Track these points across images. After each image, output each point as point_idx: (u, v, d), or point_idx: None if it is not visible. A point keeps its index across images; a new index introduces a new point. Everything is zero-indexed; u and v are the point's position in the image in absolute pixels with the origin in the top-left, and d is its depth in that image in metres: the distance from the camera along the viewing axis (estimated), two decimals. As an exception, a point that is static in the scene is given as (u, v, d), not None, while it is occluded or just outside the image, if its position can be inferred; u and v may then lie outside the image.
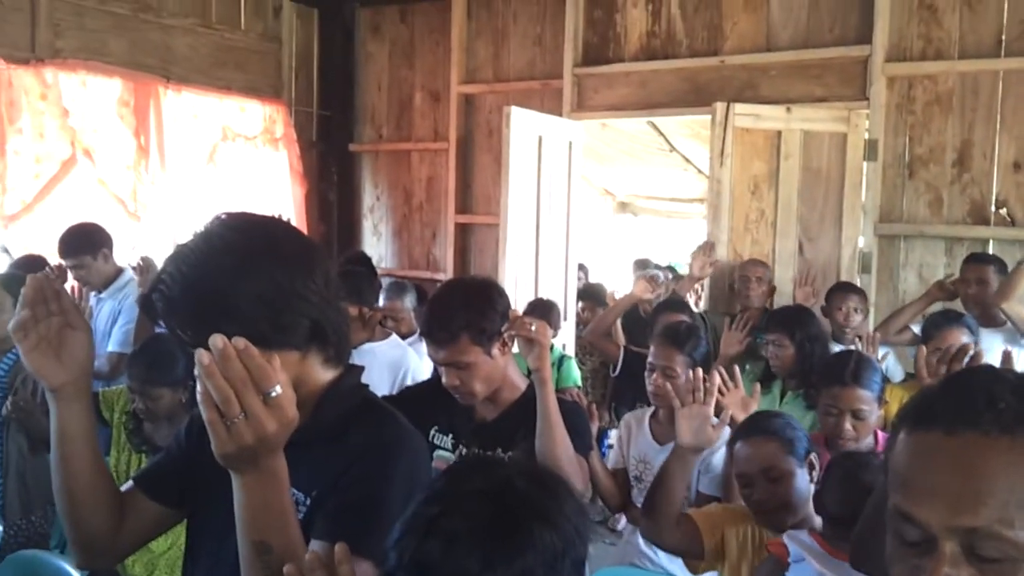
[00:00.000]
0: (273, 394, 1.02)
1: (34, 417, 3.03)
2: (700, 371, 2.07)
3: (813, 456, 2.19)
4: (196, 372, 1.25)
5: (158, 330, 3.54)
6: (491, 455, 2.10)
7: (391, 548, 1.07)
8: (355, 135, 6.41)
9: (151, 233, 5.17)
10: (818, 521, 2.14)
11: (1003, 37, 4.32)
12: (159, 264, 3.71)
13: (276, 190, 5.80)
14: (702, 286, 4.96)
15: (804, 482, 2.13)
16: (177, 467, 1.44)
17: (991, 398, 0.84)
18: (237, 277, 1.19)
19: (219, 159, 5.44)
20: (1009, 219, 4.35)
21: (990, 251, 4.28)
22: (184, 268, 1.20)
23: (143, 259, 3.73)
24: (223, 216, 1.28)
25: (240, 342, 1.01)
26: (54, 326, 1.30)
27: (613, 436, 5.33)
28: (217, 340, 1.00)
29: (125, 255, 4.24)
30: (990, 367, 0.94)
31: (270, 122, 5.71)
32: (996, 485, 0.81)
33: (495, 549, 1.02)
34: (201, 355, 1.00)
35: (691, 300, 4.82)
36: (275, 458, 1.07)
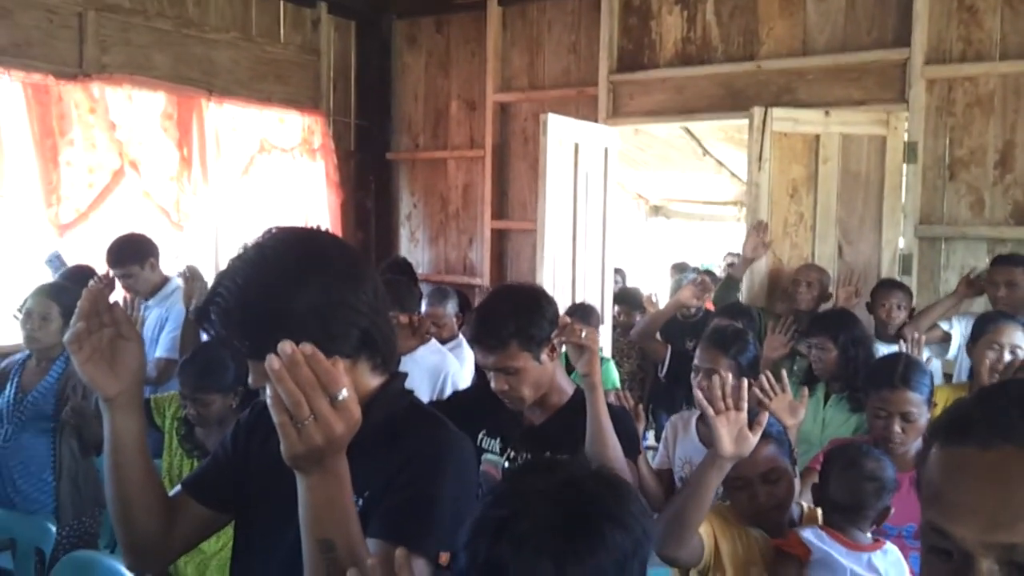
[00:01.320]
0: (340, 397, 1.06)
1: (88, 421, 3.11)
2: (729, 376, 2.01)
3: (796, 452, 2.24)
4: (250, 381, 1.29)
5: (205, 337, 3.64)
6: (556, 457, 2.12)
7: (462, 550, 1.10)
8: (392, 144, 6.47)
9: (194, 242, 5.27)
10: (796, 513, 2.18)
11: (1045, 37, 4.28)
12: (204, 273, 3.81)
13: (313, 199, 5.87)
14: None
15: (793, 479, 2.17)
16: (225, 471, 1.48)
17: None
18: (290, 289, 1.23)
19: (257, 170, 5.52)
20: (1052, 219, 4.30)
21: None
22: (239, 281, 1.24)
23: (189, 268, 3.81)
24: (274, 230, 1.33)
25: (308, 347, 1.04)
26: (107, 337, 1.35)
27: (651, 438, 5.36)
28: (286, 346, 1.03)
29: (170, 264, 4.33)
30: (1021, 381, 0.93)
31: (308, 133, 5.79)
32: None
33: (567, 550, 1.04)
34: (272, 360, 1.03)
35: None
36: (340, 459, 1.11)
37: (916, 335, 3.44)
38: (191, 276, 3.78)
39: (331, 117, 6.06)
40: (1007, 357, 3.06)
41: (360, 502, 1.29)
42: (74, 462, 3.25)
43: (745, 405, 1.94)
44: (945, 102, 4.54)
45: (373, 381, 1.37)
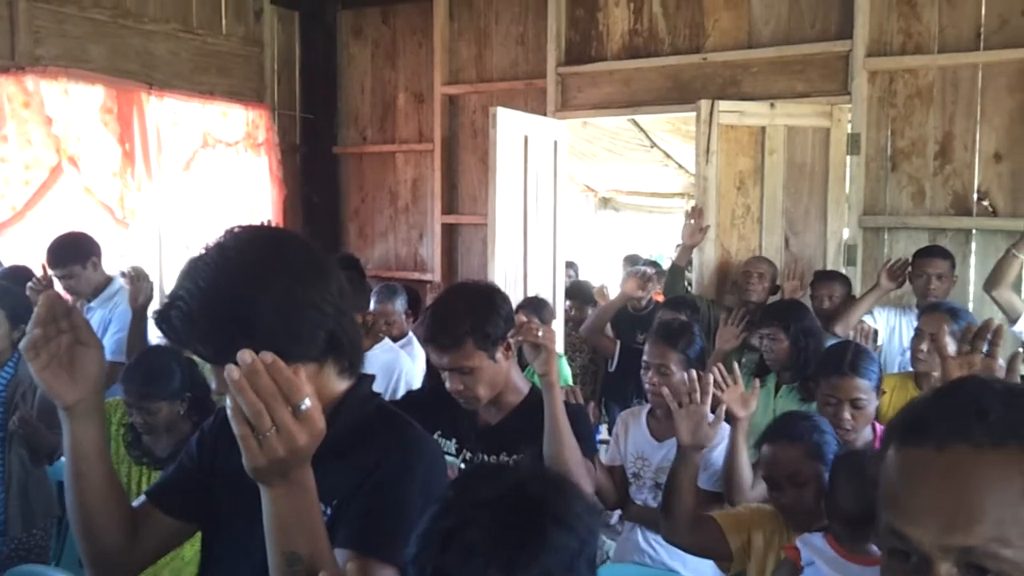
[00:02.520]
0: (303, 407, 1.02)
1: (36, 430, 3.01)
2: (694, 372, 2.11)
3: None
4: (214, 387, 1.25)
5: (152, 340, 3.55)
6: (497, 461, 2.11)
7: (410, 563, 1.08)
8: (339, 138, 6.39)
9: (137, 239, 5.14)
10: None
11: (982, 30, 4.38)
12: (147, 271, 3.71)
13: (258, 195, 5.77)
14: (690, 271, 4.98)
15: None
16: (190, 480, 1.44)
17: (981, 409, 0.82)
18: (255, 290, 1.19)
19: (200, 165, 5.40)
20: (991, 209, 4.41)
21: (973, 241, 4.37)
22: (201, 283, 1.20)
23: (134, 268, 3.71)
24: (236, 229, 1.29)
25: (268, 356, 1.01)
26: (64, 343, 1.30)
27: (604, 431, 5.39)
28: (245, 355, 1.00)
29: (113, 263, 4.21)
30: (978, 377, 0.93)
31: (252, 127, 5.68)
32: (990, 501, 0.78)
33: (514, 556, 1.03)
34: (231, 370, 0.99)
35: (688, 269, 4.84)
36: (304, 469, 1.08)
37: (865, 326, 3.50)
38: (137, 276, 3.69)
39: (276, 111, 5.96)
40: (924, 346, 3.14)
41: (329, 511, 1.27)
42: (24, 472, 3.14)
43: (702, 398, 1.98)
44: (887, 94, 4.62)
45: (340, 385, 1.34)
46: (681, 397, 2.08)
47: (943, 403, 0.86)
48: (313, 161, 6.31)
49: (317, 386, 1.26)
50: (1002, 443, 0.80)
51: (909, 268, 3.98)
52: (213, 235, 1.29)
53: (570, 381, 4.39)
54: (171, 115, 5.19)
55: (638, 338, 4.54)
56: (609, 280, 8.09)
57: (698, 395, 2.07)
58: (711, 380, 2.12)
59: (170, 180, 5.20)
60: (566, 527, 1.07)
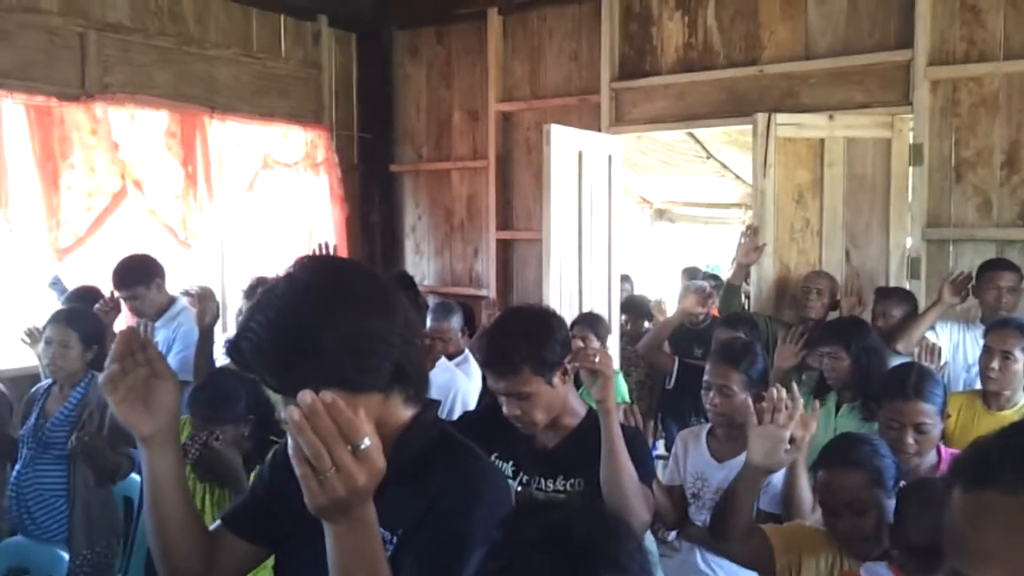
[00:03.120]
0: (362, 446, 1.03)
1: (98, 452, 3.09)
2: (778, 391, 2.03)
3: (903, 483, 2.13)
4: (283, 418, 1.27)
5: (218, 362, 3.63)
6: (549, 493, 2.11)
7: None
8: (395, 156, 6.47)
9: (200, 260, 5.27)
10: None
11: (1049, 36, 4.26)
12: (216, 293, 3.80)
13: (318, 214, 5.87)
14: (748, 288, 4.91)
15: (892, 512, 2.07)
16: (263, 506, 1.47)
17: None
18: (323, 322, 1.21)
19: (261, 186, 5.52)
20: (1061, 219, 4.28)
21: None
22: (271, 314, 1.23)
23: (201, 288, 3.80)
24: (305, 261, 1.31)
25: (328, 396, 1.02)
26: (141, 376, 1.34)
27: (660, 447, 5.34)
28: (306, 396, 1.01)
29: (176, 283, 4.32)
30: None
31: (311, 147, 5.79)
32: None
33: None
34: (291, 412, 1.01)
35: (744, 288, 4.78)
36: (366, 507, 1.09)
37: (930, 343, 3.42)
38: (203, 296, 3.78)
39: (334, 131, 6.06)
40: (995, 363, 3.06)
41: (394, 539, 1.28)
42: (87, 491, 3.24)
43: (790, 423, 1.94)
44: (950, 103, 4.51)
45: (406, 413, 1.35)
46: (762, 416, 2.01)
47: (1011, 445, 0.85)
48: (370, 180, 6.40)
49: (383, 415, 1.30)
50: None
51: (972, 282, 3.88)
52: (281, 263, 1.33)
53: (626, 397, 4.36)
54: (232, 138, 5.32)
55: (695, 352, 4.50)
56: (666, 293, 8.03)
57: (782, 416, 1.99)
58: (796, 408, 2.02)
59: (232, 201, 5.32)
60: (617, 567, 1.05)
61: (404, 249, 6.51)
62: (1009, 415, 3.03)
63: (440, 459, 1.35)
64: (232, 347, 1.27)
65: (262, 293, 1.28)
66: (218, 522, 1.49)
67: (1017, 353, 3.06)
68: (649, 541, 3.89)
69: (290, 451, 1.04)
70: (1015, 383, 3.11)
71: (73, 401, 3.27)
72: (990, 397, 3.14)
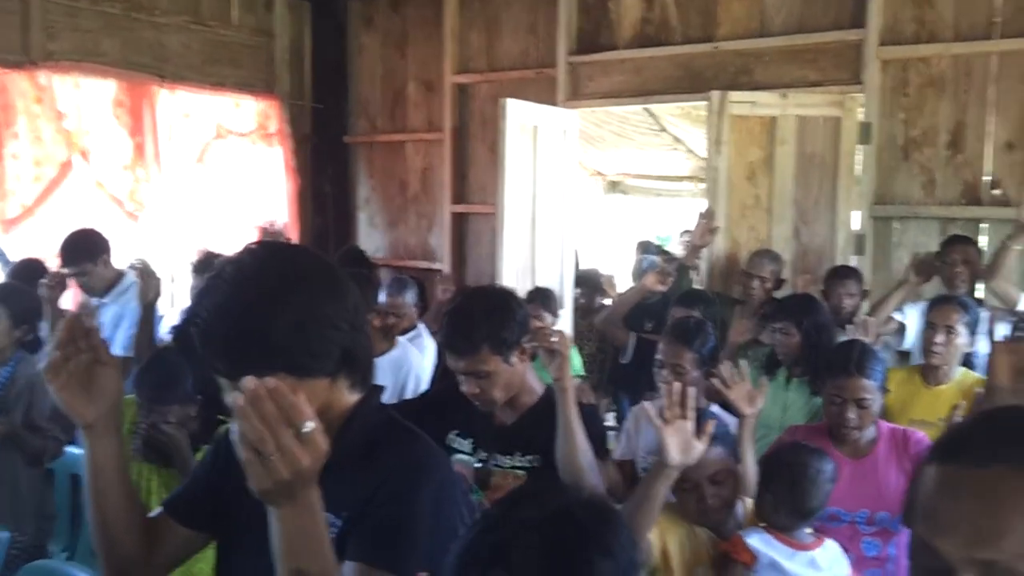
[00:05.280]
0: (305, 430, 1.05)
1: (21, 438, 3.05)
2: (677, 385, 2.00)
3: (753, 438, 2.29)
4: (229, 403, 1.27)
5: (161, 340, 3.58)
6: (547, 484, 2.13)
7: (450, 573, 1.10)
8: (349, 127, 6.40)
9: (149, 232, 5.18)
10: (740, 512, 2.20)
11: (996, 19, 4.33)
12: (159, 264, 3.72)
13: (271, 186, 5.79)
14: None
15: (739, 479, 2.20)
16: (206, 491, 1.47)
17: (1018, 433, 0.86)
18: (272, 307, 1.21)
19: (213, 157, 5.43)
20: (1003, 198, 4.39)
21: (984, 230, 4.35)
22: (219, 300, 1.23)
23: (141, 263, 3.71)
24: (253, 246, 1.31)
25: (271, 382, 1.04)
26: (83, 363, 1.34)
27: (611, 419, 5.42)
28: (248, 382, 1.03)
29: (124, 256, 4.24)
30: (1018, 405, 0.96)
31: (264, 118, 5.70)
32: (1017, 520, 0.82)
33: None
34: (234, 398, 1.03)
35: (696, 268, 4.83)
36: (310, 489, 1.10)
37: (867, 318, 3.51)
38: (145, 271, 3.70)
39: (287, 101, 5.96)
40: (939, 338, 3.14)
41: (339, 523, 1.29)
42: (15, 470, 3.18)
43: (693, 415, 1.96)
44: (899, 83, 4.59)
45: (351, 398, 1.36)
46: (666, 413, 1.96)
47: (987, 425, 0.91)
48: (324, 151, 6.33)
49: (329, 400, 1.31)
50: None
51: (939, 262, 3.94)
52: (232, 236, 1.32)
53: (581, 371, 4.41)
54: (183, 107, 5.21)
55: (646, 326, 4.56)
56: (619, 265, 8.09)
57: (683, 411, 1.95)
58: (691, 396, 1.98)
59: (183, 172, 5.22)
60: (610, 556, 1.08)
61: (357, 222, 6.47)
62: (945, 390, 3.13)
63: (385, 443, 1.36)
64: (179, 333, 1.27)
65: (209, 279, 1.27)
66: (159, 508, 1.49)
67: (960, 328, 3.16)
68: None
69: (233, 436, 1.05)
70: (955, 358, 3.21)
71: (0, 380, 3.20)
72: (928, 372, 3.23)
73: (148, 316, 3.66)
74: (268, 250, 1.33)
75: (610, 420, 5.38)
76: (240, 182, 5.63)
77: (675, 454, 1.92)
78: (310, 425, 1.05)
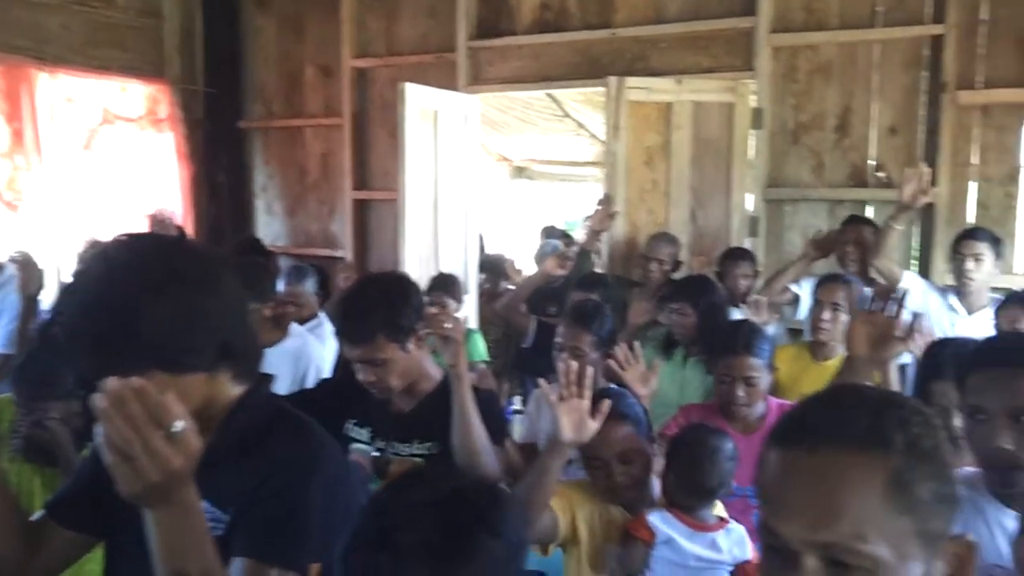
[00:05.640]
0: (175, 429, 1.02)
1: None
2: (574, 364, 2.01)
3: (651, 415, 2.30)
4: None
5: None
6: (437, 467, 2.12)
7: (339, 560, 1.09)
8: (244, 112, 6.22)
9: (31, 222, 4.93)
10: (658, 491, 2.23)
11: (879, 8, 4.50)
12: (44, 256, 3.55)
13: (162, 173, 5.59)
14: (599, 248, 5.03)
15: (651, 458, 2.21)
16: (89, 491, 1.40)
17: (850, 415, 0.89)
18: (141, 303, 1.17)
19: (100, 143, 5.20)
20: (886, 180, 4.58)
21: (869, 212, 4.52)
22: (85, 296, 1.18)
23: (21, 254, 3.53)
24: (121, 239, 1.27)
25: (135, 381, 1.00)
26: None
27: (517, 402, 5.45)
28: (110, 383, 0.99)
29: (4, 247, 4.03)
30: (855, 385, 0.99)
31: (153, 103, 5.50)
32: (852, 501, 0.85)
33: (444, 560, 1.06)
34: (96, 399, 0.98)
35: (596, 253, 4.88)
36: (186, 489, 1.07)
37: (759, 298, 3.61)
38: (25, 264, 3.52)
39: (177, 85, 5.75)
40: (826, 315, 3.26)
41: (226, 519, 1.27)
42: None
43: (588, 393, 1.97)
44: (789, 69, 4.73)
45: (235, 390, 1.33)
46: (561, 390, 1.97)
47: (818, 408, 0.93)
48: (218, 137, 6.13)
49: (210, 395, 1.28)
50: (866, 448, 0.87)
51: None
52: (121, 225, 1.27)
53: (485, 356, 4.42)
54: (65, 92, 4.97)
55: (549, 310, 4.59)
56: (524, 250, 8.13)
57: (578, 389, 1.97)
58: (588, 375, 1.98)
59: (68, 159, 4.99)
60: (498, 535, 1.09)
61: (254, 209, 6.30)
62: (832, 364, 3.24)
63: (273, 435, 1.34)
64: (44, 333, 1.22)
65: (75, 274, 1.24)
66: (42, 511, 1.43)
67: (845, 305, 3.28)
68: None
69: (97, 439, 1.01)
70: (842, 334, 3.33)
71: None
72: (817, 348, 3.35)
73: (29, 310, 3.48)
74: (137, 243, 1.28)
75: (517, 404, 5.41)
76: (129, 169, 5.41)
77: (568, 432, 1.93)
78: (180, 424, 1.02)
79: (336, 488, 1.34)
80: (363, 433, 2.26)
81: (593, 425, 1.96)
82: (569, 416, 1.94)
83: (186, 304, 1.20)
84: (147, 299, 1.17)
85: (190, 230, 5.59)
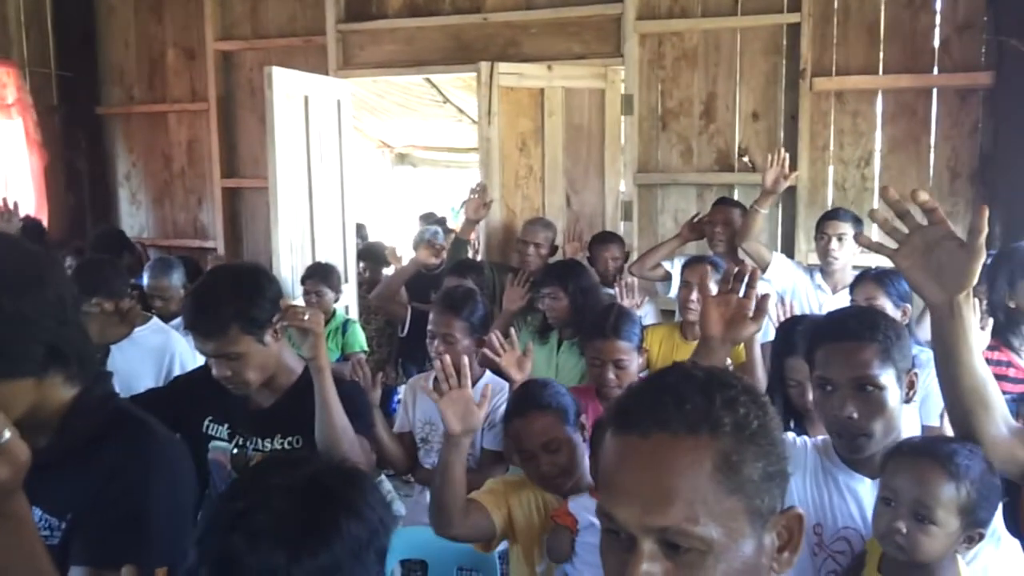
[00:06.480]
0: (1, 440, 0.97)
1: None
2: (448, 358, 2.02)
3: (583, 417, 2.28)
4: None
5: None
6: (295, 451, 2.06)
7: (194, 545, 1.06)
8: (102, 97, 5.91)
9: None
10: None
11: (739, -4, 4.66)
12: None
13: (12, 161, 5.25)
14: (478, 235, 5.03)
15: (580, 445, 2.21)
16: None
17: (680, 399, 0.90)
18: None
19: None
20: (751, 165, 4.75)
21: (735, 195, 4.67)
22: None
23: None
24: None
25: None
26: None
27: (402, 392, 5.41)
28: None
29: None
30: (684, 366, 1.00)
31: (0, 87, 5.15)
32: (682, 485, 0.86)
33: (302, 542, 1.04)
34: None
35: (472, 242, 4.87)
36: (15, 500, 1.02)
37: (629, 280, 3.68)
38: None
39: (26, 68, 5.40)
40: (694, 296, 3.35)
41: (62, 526, 1.21)
42: None
43: (467, 381, 1.98)
44: (656, 56, 4.83)
45: (69, 392, 1.27)
46: (441, 385, 2.00)
47: (649, 392, 0.93)
48: (74, 123, 5.80)
49: (40, 399, 1.21)
50: (695, 431, 0.88)
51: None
52: None
53: (364, 346, 4.36)
54: None
55: (432, 297, 4.56)
56: (406, 238, 8.05)
57: (457, 379, 1.99)
58: (465, 366, 2.00)
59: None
60: (357, 517, 1.08)
61: (118, 199, 6.02)
62: (702, 343, 3.35)
63: (112, 437, 1.28)
64: None
65: None
66: None
67: (711, 285, 3.37)
68: (387, 483, 3.96)
69: None
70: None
71: None
72: (687, 328, 3.44)
73: None
74: None
75: (400, 394, 5.36)
76: (-27, 158, 5.07)
77: (454, 423, 1.94)
78: (6, 435, 0.98)
79: (178, 490, 1.30)
80: (222, 430, 2.18)
81: (479, 412, 1.96)
82: (453, 408, 1.95)
83: (5, 309, 1.14)
84: None
85: (47, 221, 5.28)
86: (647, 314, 3.88)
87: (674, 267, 4.08)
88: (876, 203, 4.57)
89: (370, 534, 1.09)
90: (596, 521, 2.03)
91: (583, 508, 2.08)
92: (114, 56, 5.87)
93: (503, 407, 2.61)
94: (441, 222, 6.32)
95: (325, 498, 1.07)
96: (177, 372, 3.26)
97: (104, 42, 5.87)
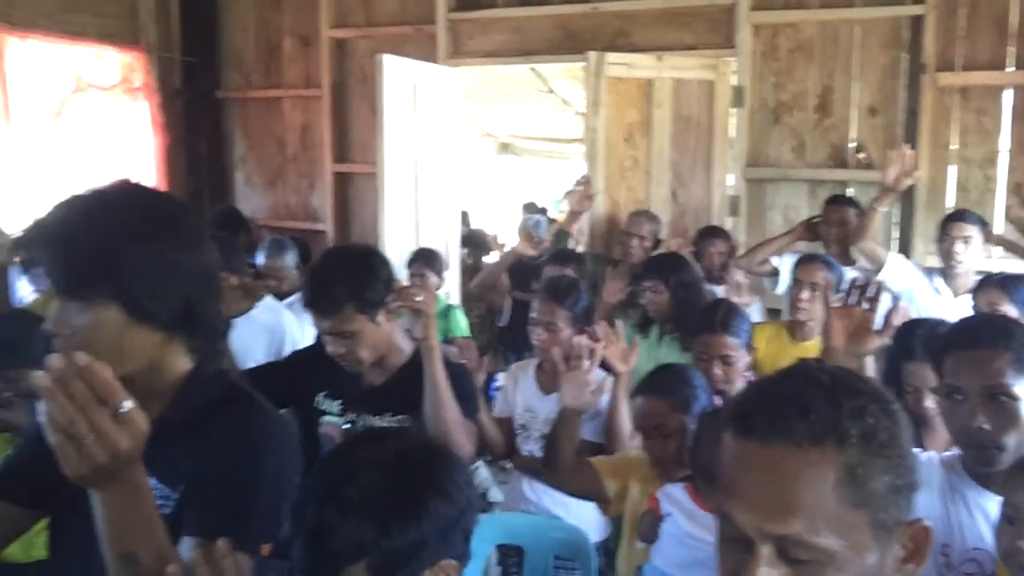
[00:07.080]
0: (123, 409, 0.98)
1: None
2: (585, 337, 2.17)
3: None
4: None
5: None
6: (388, 428, 2.13)
7: (291, 515, 1.11)
8: (222, 82, 6.13)
9: None
10: None
11: (859, -13, 4.50)
12: (3, 227, 3.50)
13: (136, 143, 5.50)
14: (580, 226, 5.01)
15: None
16: (32, 466, 1.35)
17: (803, 408, 0.87)
18: (129, 238, 1.18)
19: (71, 111, 5.11)
20: (867, 161, 4.59)
21: (849, 192, 4.52)
22: (76, 217, 1.19)
23: None
24: (122, 182, 1.28)
25: (82, 358, 0.96)
26: None
27: (502, 379, 5.46)
28: (55, 360, 0.95)
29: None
30: (807, 368, 0.95)
31: (128, 71, 5.39)
32: (804, 497, 0.85)
33: (391, 518, 1.07)
34: (38, 377, 0.94)
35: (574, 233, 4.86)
36: (134, 470, 1.03)
37: (739, 280, 3.61)
38: None
39: (153, 53, 5.65)
40: (805, 295, 3.26)
41: (175, 496, 1.25)
42: None
43: (594, 365, 2.10)
44: (770, 48, 4.71)
45: (185, 365, 1.31)
46: (569, 360, 2.16)
47: (770, 398, 0.91)
48: (195, 107, 6.03)
49: (160, 360, 1.27)
50: (820, 442, 0.86)
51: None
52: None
53: (467, 333, 4.41)
54: (36, 58, 4.87)
55: (533, 286, 4.59)
56: (508, 226, 8.11)
57: (585, 361, 2.13)
58: (596, 349, 2.19)
59: (38, 127, 4.90)
60: (446, 497, 1.11)
61: (234, 181, 6.23)
62: (811, 345, 3.25)
63: (223, 413, 1.31)
64: (22, 239, 1.22)
65: (70, 196, 1.23)
66: None
67: (823, 285, 3.28)
68: (484, 469, 4.00)
69: (40, 418, 0.97)
70: (820, 314, 3.33)
71: None
72: (795, 328, 3.35)
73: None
74: (136, 187, 1.30)
75: (500, 380, 5.41)
76: (102, 138, 5.31)
77: (569, 400, 2.13)
78: (128, 404, 0.98)
79: (284, 466, 1.32)
80: (334, 406, 2.25)
81: (593, 398, 2.13)
82: (570, 385, 2.13)
83: (167, 255, 1.21)
84: (134, 238, 1.19)
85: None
86: (754, 312, 3.80)
87: (782, 263, 3.98)
88: (1000, 206, 4.36)
89: (457, 514, 1.12)
90: (675, 512, 2.05)
91: (667, 497, 2.11)
92: (234, 42, 6.08)
93: (606, 398, 2.63)
94: (542, 212, 6.32)
95: (415, 475, 1.10)
96: (288, 349, 3.37)
97: (225, 29, 6.07)
